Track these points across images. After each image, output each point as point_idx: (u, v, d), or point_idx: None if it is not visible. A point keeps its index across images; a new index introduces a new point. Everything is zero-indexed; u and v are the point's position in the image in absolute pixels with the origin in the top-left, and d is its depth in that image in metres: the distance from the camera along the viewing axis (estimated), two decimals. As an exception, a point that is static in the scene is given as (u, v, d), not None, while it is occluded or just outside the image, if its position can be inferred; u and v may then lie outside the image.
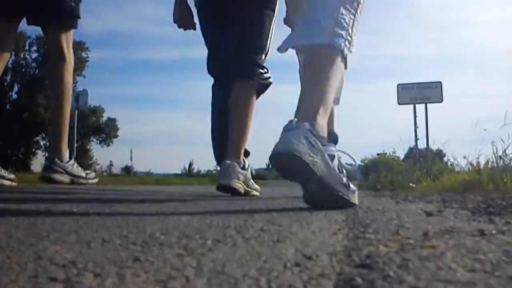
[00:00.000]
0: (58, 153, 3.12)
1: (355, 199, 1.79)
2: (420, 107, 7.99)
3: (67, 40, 2.97)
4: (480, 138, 4.43)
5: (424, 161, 6.86)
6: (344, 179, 1.66)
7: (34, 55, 32.23)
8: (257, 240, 1.06)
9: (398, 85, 8.16)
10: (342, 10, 1.69)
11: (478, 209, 1.86)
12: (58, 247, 0.93)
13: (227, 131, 2.51)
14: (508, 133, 4.07)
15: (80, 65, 33.37)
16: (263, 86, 2.70)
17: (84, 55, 33.12)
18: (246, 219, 1.51)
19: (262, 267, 0.76)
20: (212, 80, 2.86)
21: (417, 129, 7.79)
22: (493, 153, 4.08)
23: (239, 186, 2.59)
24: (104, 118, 33.31)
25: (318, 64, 1.67)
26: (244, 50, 2.59)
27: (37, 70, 31.69)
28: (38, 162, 31.10)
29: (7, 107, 31.26)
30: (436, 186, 4.35)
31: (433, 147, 7.79)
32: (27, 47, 32.14)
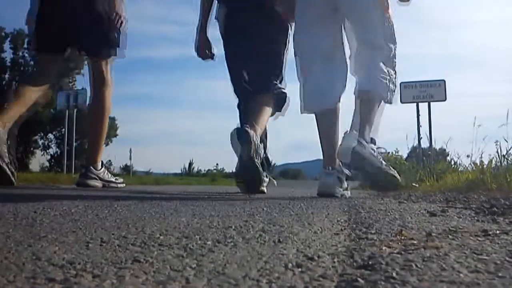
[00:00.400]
0: (93, 163, 3.60)
1: (394, 172, 2.79)
2: (423, 106, 7.98)
3: (108, 66, 3.40)
4: (482, 137, 4.43)
5: (427, 160, 6.85)
6: (383, 161, 2.72)
7: (33, 53, 32.21)
8: (258, 240, 1.05)
9: (401, 83, 8.10)
10: (385, 68, 2.67)
11: (481, 209, 1.85)
12: (57, 247, 0.92)
13: None
14: (509, 132, 4.07)
15: (79, 63, 33.43)
16: (280, 98, 3.08)
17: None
18: (246, 219, 1.50)
19: (263, 268, 0.75)
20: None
21: (420, 128, 7.77)
22: (497, 152, 4.08)
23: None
24: (104, 118, 33.48)
25: (372, 103, 2.69)
26: (267, 77, 3.09)
27: (35, 68, 31.68)
28: (36, 161, 31.12)
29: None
30: (439, 185, 4.34)
31: (436, 146, 7.79)
32: (25, 45, 32.16)
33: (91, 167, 3.57)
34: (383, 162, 2.67)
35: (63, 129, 11.64)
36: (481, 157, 4.38)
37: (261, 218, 1.53)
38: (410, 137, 8.13)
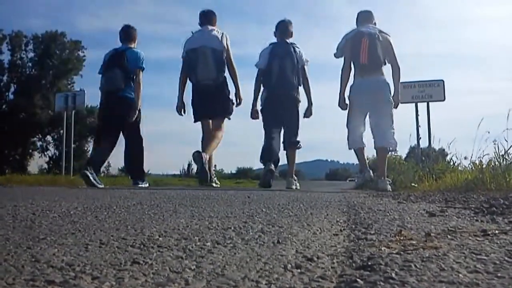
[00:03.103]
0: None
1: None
2: (422, 106, 7.98)
3: (222, 124, 5.20)
4: (482, 135, 4.42)
5: (426, 160, 6.84)
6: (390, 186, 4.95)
7: (31, 54, 32.19)
8: (257, 241, 1.05)
9: (400, 83, 8.09)
10: (392, 129, 4.69)
11: (480, 209, 1.85)
12: (56, 249, 0.92)
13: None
14: (509, 133, 4.07)
15: (77, 64, 33.32)
16: (298, 146, 5.16)
17: (81, 53, 33.19)
18: (245, 220, 1.50)
19: (262, 269, 0.75)
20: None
21: (419, 128, 7.75)
22: (495, 152, 4.08)
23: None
24: (102, 119, 33.42)
25: (385, 153, 4.88)
26: (292, 135, 5.09)
27: (33, 70, 31.65)
28: (34, 163, 31.03)
29: (4, 107, 31.23)
30: (438, 185, 4.34)
31: (436, 146, 7.76)
32: (23, 47, 32.08)
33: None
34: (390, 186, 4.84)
35: (62, 131, 11.62)
36: (481, 157, 4.38)
37: (260, 219, 1.53)
38: (409, 137, 8.13)
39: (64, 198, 2.61)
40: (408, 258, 0.80)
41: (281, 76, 4.87)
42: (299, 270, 0.74)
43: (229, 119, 5.20)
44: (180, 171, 30.22)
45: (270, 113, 4.98)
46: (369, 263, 0.78)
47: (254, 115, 5.21)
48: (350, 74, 4.80)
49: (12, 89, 32.90)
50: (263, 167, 4.89)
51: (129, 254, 0.87)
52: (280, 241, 1.05)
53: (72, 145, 9.83)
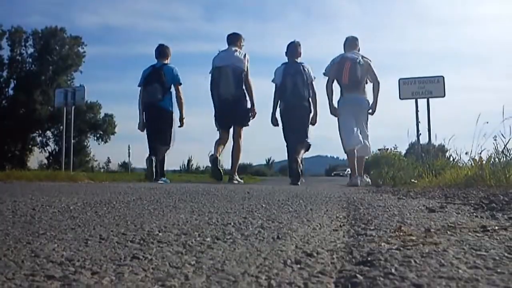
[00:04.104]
0: (234, 174, 6.20)
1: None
2: (422, 102, 7.96)
3: (241, 131, 6.11)
4: (480, 131, 4.41)
5: (426, 156, 6.83)
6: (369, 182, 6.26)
7: (30, 50, 32.07)
8: (257, 237, 1.05)
9: (400, 79, 8.05)
10: (367, 137, 5.85)
11: (480, 205, 1.85)
12: (55, 244, 0.92)
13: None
14: (507, 128, 4.05)
15: (77, 60, 33.24)
16: (308, 146, 6.03)
17: (80, 49, 33.11)
18: (245, 216, 1.50)
19: (262, 265, 0.75)
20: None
21: (419, 124, 7.74)
22: (494, 148, 4.07)
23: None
24: (101, 115, 33.35)
25: (363, 160, 6.02)
26: (304, 136, 5.96)
27: (33, 66, 31.57)
28: (34, 159, 31.01)
29: (3, 103, 31.16)
30: (438, 181, 4.32)
31: (435, 142, 7.74)
32: (23, 43, 31.96)
33: (235, 175, 6.13)
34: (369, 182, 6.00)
35: (61, 127, 11.62)
36: (480, 153, 4.37)
37: (260, 215, 1.53)
38: (409, 134, 8.12)
39: (64, 194, 2.62)
40: (407, 254, 0.80)
41: (294, 90, 5.89)
42: (298, 266, 0.74)
43: (248, 125, 6.19)
44: (180, 167, 30.23)
45: (287, 120, 6.04)
46: (369, 259, 0.78)
47: (274, 122, 6.19)
48: (333, 89, 5.97)
49: (12, 84, 32.86)
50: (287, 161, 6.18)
51: (129, 249, 0.87)
52: (279, 236, 1.05)
53: (72, 141, 9.82)
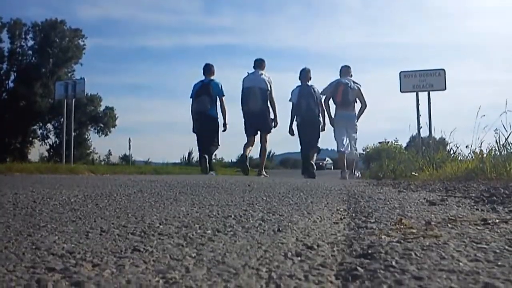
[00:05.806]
0: (262, 169, 7.56)
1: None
2: (423, 96, 7.93)
3: (267, 137, 7.45)
4: (479, 124, 4.40)
5: (427, 149, 6.82)
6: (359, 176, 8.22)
7: (30, 42, 31.91)
8: (258, 229, 1.05)
9: (401, 72, 8.01)
10: (356, 144, 7.58)
11: (481, 198, 1.85)
12: (56, 237, 0.92)
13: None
14: (508, 121, 4.03)
15: (77, 52, 33.06)
16: (319, 150, 7.73)
17: (81, 42, 32.96)
18: (246, 208, 1.50)
19: (263, 257, 0.75)
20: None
21: (420, 117, 7.72)
22: (496, 141, 4.06)
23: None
24: (102, 107, 33.31)
25: (353, 161, 7.59)
26: (315, 143, 7.48)
27: (33, 58, 31.45)
28: (35, 151, 30.94)
29: (4, 95, 31.07)
30: (438, 174, 4.32)
31: (436, 135, 7.72)
32: (23, 35, 31.81)
33: (262, 170, 7.51)
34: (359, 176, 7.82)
35: (62, 119, 11.60)
36: (480, 146, 4.36)
37: (261, 207, 1.53)
38: (410, 127, 8.13)
39: (65, 186, 2.62)
40: (408, 247, 0.80)
41: (308, 108, 7.45)
42: (299, 258, 0.74)
43: (271, 132, 7.62)
44: (181, 160, 30.22)
45: (302, 132, 7.56)
46: (369, 251, 0.78)
47: (291, 133, 7.72)
48: (330, 105, 7.55)
49: (12, 77, 32.74)
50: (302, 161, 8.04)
51: (130, 242, 0.87)
52: (280, 229, 1.05)
53: (73, 133, 9.82)
